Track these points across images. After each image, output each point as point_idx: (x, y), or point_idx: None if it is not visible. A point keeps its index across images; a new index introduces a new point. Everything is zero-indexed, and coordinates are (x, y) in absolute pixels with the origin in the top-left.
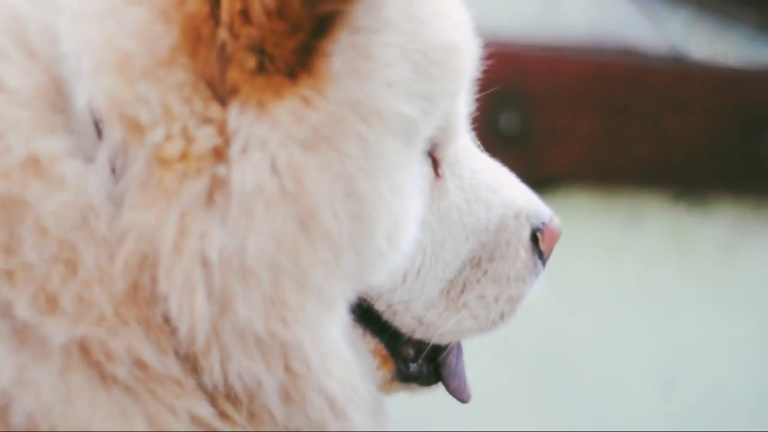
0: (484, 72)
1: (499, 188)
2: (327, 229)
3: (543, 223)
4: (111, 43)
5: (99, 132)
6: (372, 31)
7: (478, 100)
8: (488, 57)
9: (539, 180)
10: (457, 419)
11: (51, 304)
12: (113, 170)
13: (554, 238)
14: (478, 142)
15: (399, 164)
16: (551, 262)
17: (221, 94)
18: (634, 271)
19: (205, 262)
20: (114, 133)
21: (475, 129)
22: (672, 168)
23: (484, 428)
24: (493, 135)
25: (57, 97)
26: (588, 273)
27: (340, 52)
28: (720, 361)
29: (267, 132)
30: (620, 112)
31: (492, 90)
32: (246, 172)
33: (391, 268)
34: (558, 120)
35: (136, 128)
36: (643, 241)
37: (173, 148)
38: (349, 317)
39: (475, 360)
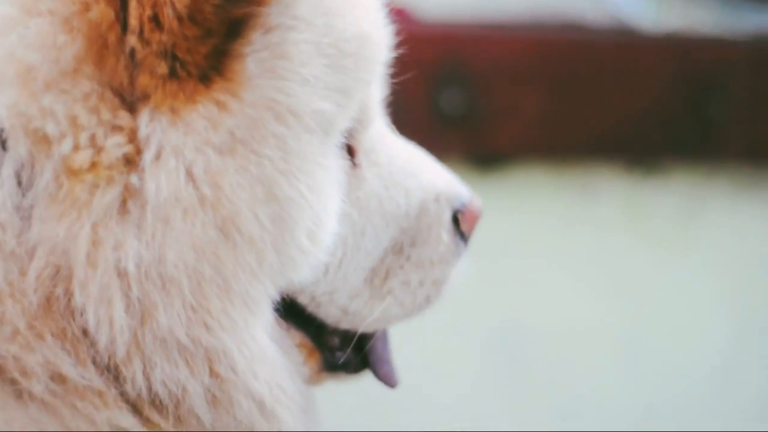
0: (424, 53)
1: (418, 172)
2: (248, 233)
3: (463, 204)
4: (13, 56)
5: (3, 144)
6: (285, 29)
7: (418, 81)
8: (426, 37)
9: (487, 158)
10: (420, 405)
11: None
12: (19, 183)
13: (475, 218)
14: (421, 124)
15: (317, 161)
16: (507, 239)
17: (131, 101)
18: (591, 244)
19: (121, 274)
20: (19, 146)
21: (417, 111)
22: (623, 138)
23: (447, 413)
24: (436, 116)
25: None
26: (544, 248)
27: (253, 53)
28: (682, 330)
29: (181, 138)
30: (566, 86)
31: (432, 70)
32: (160, 180)
33: (313, 264)
34: (502, 97)
35: (42, 141)
36: (599, 213)
37: (82, 159)
38: (273, 315)
39: (432, 343)
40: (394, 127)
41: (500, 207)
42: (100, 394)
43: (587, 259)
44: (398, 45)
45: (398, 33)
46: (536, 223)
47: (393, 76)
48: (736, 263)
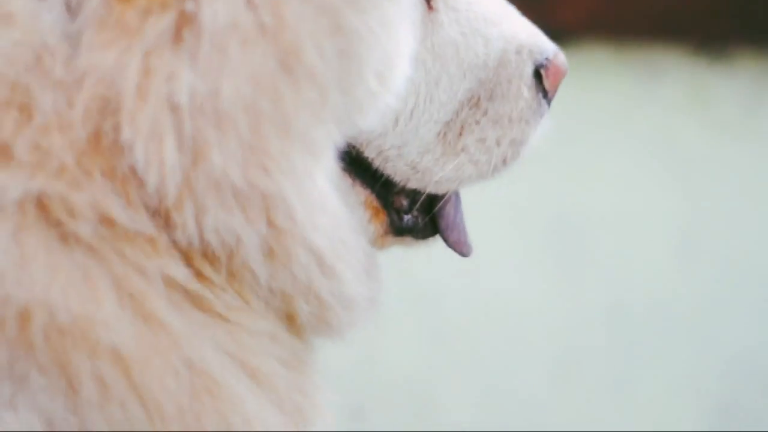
0: None
1: (499, 21)
2: (311, 67)
3: (547, 59)
4: None
5: None
6: None
7: None
8: None
9: (548, 30)
10: (464, 286)
11: (3, 154)
12: (68, 7)
13: (560, 75)
14: None
15: None
16: (566, 120)
17: None
18: (652, 130)
19: (173, 107)
20: None
21: None
22: (692, 19)
23: (496, 299)
24: None
25: None
26: (602, 132)
27: None
28: (742, 224)
29: None
30: None
31: None
32: (218, 6)
33: (382, 110)
34: None
35: None
36: (661, 98)
37: None
38: (337, 165)
39: (484, 227)
40: None
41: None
42: (151, 241)
43: (648, 145)
44: None
45: None
46: (596, 105)
47: None
48: None
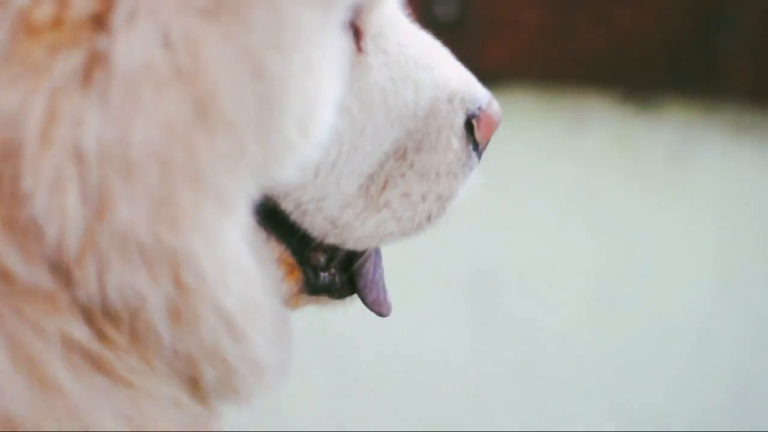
0: None
1: (431, 66)
2: (228, 115)
3: (480, 109)
4: None
5: None
6: None
7: None
8: None
9: (476, 74)
10: (378, 339)
11: None
12: None
13: (492, 126)
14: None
15: (314, 38)
16: (485, 169)
17: None
18: (576, 178)
19: (79, 154)
20: None
21: (407, 15)
22: (621, 66)
23: (409, 350)
24: (427, 21)
25: None
26: (526, 179)
27: None
28: (664, 278)
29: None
30: (568, 1)
31: None
32: (132, 46)
33: (302, 161)
34: (500, 8)
35: None
36: (587, 145)
37: (43, 13)
38: (251, 219)
39: (403, 282)
40: None
41: None
42: (51, 298)
43: (571, 195)
44: None
45: None
46: (520, 152)
47: None
48: (728, 210)
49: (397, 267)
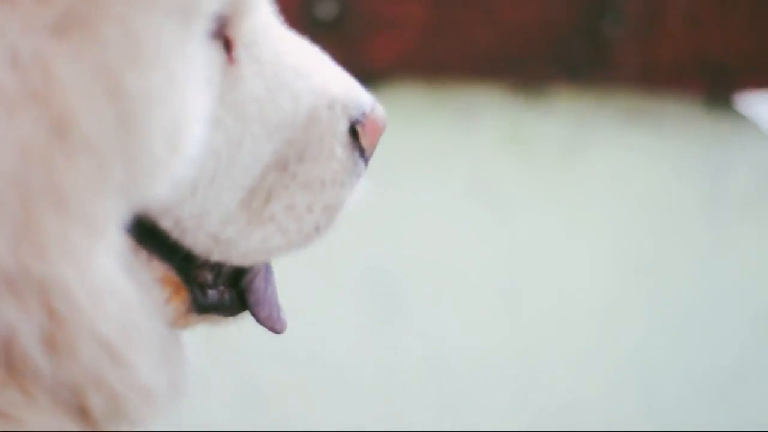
0: None
1: (309, 73)
2: (88, 135)
3: (364, 114)
4: None
5: None
6: None
7: None
8: None
9: (360, 73)
10: (277, 348)
11: None
12: None
13: (378, 130)
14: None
15: (176, 50)
16: (375, 167)
17: None
18: (470, 172)
19: None
20: None
21: (287, 15)
22: (508, 59)
23: (310, 358)
24: (307, 21)
25: None
26: (417, 178)
27: None
28: (566, 269)
29: (4, 18)
30: None
31: None
32: None
33: (174, 178)
34: (381, 5)
35: None
36: (479, 139)
37: None
38: (126, 241)
39: (297, 284)
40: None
41: None
42: None
43: (466, 188)
44: None
45: None
46: (412, 148)
47: None
48: (623, 197)
49: (288, 272)
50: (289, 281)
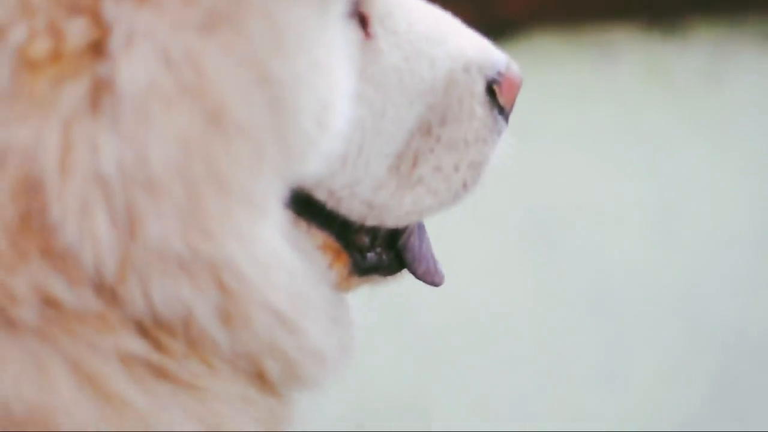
0: None
1: (443, 39)
2: (241, 122)
3: (499, 73)
4: None
5: None
6: None
7: None
8: None
9: (495, 26)
10: (442, 300)
11: None
12: None
13: (514, 87)
14: None
15: (316, 35)
16: (520, 118)
17: None
18: (613, 113)
19: (101, 179)
20: None
21: None
22: None
23: (475, 302)
24: None
25: None
26: (563, 122)
27: None
28: (716, 195)
29: (152, 19)
30: None
31: None
32: (135, 68)
33: (325, 154)
34: None
35: None
36: (619, 79)
37: (40, 48)
38: (287, 214)
39: (455, 232)
40: None
41: None
42: (102, 318)
43: (610, 130)
44: None
45: None
46: (554, 95)
47: None
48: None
49: (446, 222)
50: (448, 232)
